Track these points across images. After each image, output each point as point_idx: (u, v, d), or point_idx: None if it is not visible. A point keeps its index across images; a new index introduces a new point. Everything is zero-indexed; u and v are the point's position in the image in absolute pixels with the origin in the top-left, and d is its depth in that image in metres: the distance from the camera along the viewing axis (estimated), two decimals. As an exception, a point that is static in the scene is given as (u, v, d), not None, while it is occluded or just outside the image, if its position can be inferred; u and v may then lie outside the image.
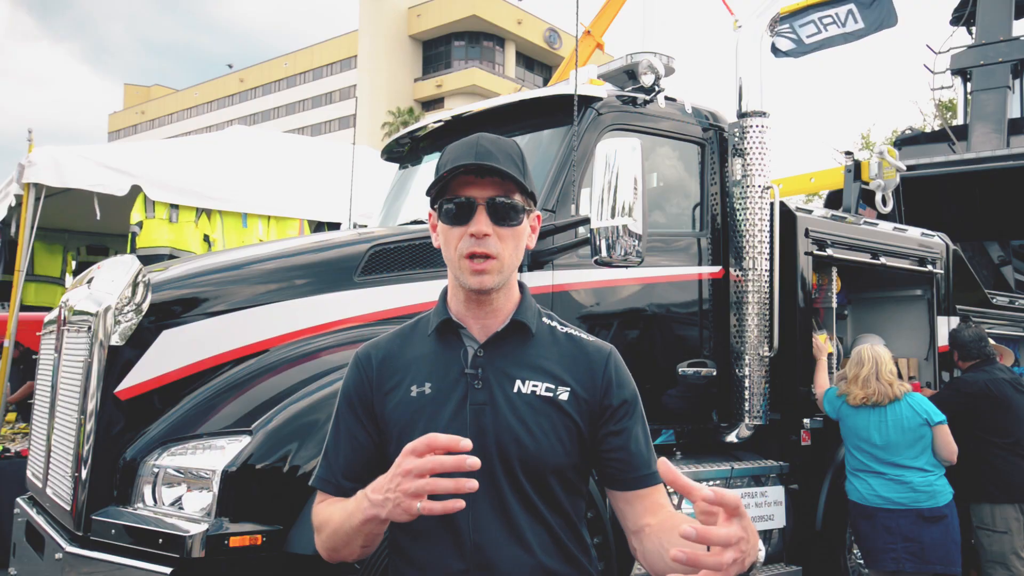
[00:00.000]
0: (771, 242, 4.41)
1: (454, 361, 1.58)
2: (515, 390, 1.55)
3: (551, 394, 1.56)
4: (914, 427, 4.16)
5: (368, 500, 1.38)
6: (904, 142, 10.50)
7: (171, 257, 6.33)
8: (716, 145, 4.46)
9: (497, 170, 1.51)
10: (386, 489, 1.33)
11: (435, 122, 4.74)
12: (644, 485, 1.60)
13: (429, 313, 1.68)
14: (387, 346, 1.66)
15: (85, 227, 8.26)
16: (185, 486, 2.76)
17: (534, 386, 1.56)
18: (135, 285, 3.03)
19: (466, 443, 1.28)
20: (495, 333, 1.59)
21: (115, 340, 2.96)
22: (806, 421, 4.58)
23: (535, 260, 3.66)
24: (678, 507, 3.96)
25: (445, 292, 1.67)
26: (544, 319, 1.67)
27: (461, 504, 1.28)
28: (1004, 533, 4.60)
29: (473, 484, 1.27)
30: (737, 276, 4.35)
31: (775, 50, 7.95)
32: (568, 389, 1.57)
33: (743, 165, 4.33)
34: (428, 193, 1.59)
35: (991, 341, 5.57)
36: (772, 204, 4.42)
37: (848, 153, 6.01)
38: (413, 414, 1.54)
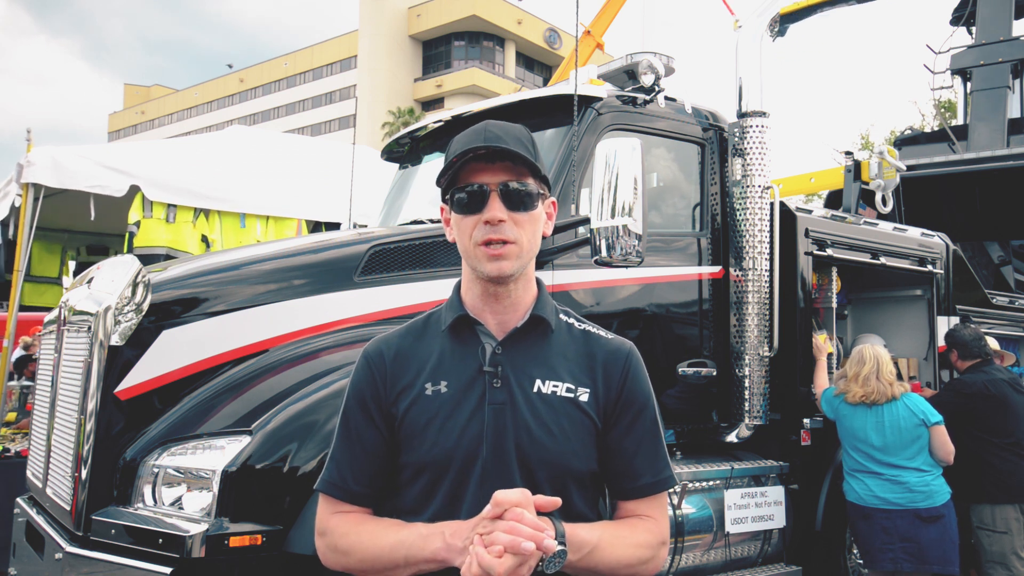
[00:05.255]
0: (771, 242, 4.40)
1: (471, 358, 1.51)
2: (535, 390, 1.48)
3: (572, 395, 1.50)
4: (911, 427, 4.16)
5: (445, 543, 1.35)
6: (904, 142, 10.50)
7: (168, 257, 6.33)
8: (716, 145, 4.46)
9: (508, 153, 1.46)
10: (466, 539, 1.31)
11: (435, 122, 4.74)
12: (632, 496, 1.55)
13: (441, 309, 1.61)
14: (398, 342, 1.58)
15: (85, 227, 8.25)
16: (185, 486, 2.76)
17: (555, 386, 1.49)
18: (135, 285, 3.03)
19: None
20: (514, 329, 1.52)
21: (115, 340, 2.96)
22: (806, 421, 4.58)
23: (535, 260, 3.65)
24: (678, 506, 3.96)
25: (458, 287, 1.60)
26: (561, 315, 1.61)
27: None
28: (1004, 533, 4.59)
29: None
30: (737, 276, 4.35)
31: (781, 33, 7.94)
32: (588, 390, 1.51)
33: (743, 165, 4.33)
34: (438, 183, 1.54)
35: (996, 346, 5.58)
36: (772, 204, 4.42)
37: (848, 153, 6.01)
38: (429, 413, 1.48)
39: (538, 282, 1.61)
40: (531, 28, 51.86)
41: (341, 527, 1.50)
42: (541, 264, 3.68)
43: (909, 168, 7.52)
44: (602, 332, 1.63)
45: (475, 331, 1.54)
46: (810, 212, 4.90)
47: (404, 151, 5.08)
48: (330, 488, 1.53)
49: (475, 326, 1.54)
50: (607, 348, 1.58)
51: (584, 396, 1.51)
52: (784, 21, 7.92)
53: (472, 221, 1.48)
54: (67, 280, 3.92)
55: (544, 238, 1.58)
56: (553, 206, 1.62)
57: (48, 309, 4.29)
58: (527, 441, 1.46)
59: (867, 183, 5.79)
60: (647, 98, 4.18)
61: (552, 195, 1.65)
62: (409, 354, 1.56)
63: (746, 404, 4.29)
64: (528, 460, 1.45)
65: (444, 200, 1.56)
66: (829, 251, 4.81)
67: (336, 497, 1.52)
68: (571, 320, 1.62)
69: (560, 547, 1.32)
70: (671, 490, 3.95)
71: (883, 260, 5.15)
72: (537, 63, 54.59)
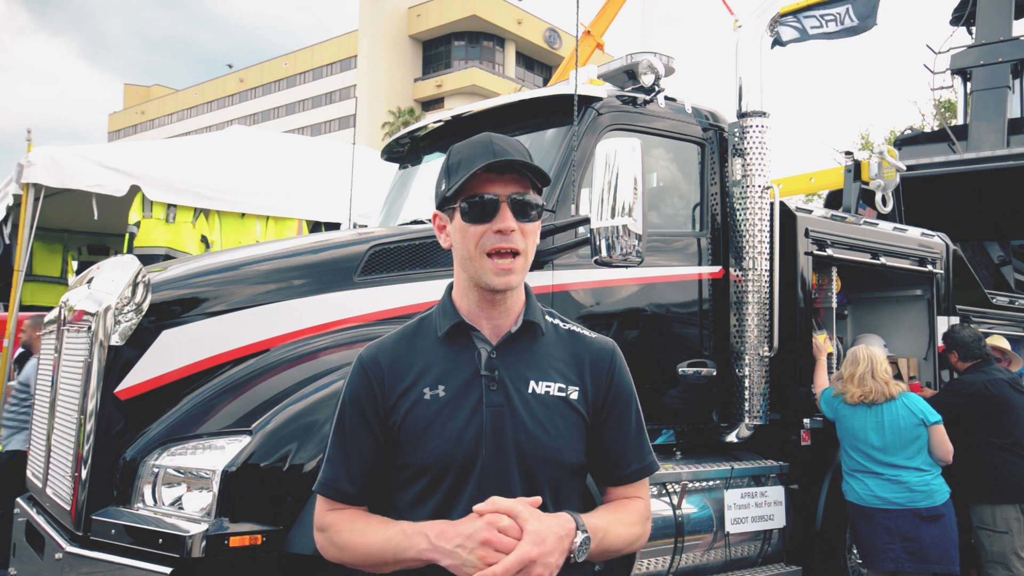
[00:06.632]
0: (771, 242, 4.40)
1: (467, 363, 1.57)
2: (530, 391, 1.56)
3: (563, 393, 1.59)
4: (910, 427, 4.17)
5: (431, 544, 1.42)
6: (904, 142, 10.50)
7: (167, 257, 6.34)
8: (716, 145, 4.46)
9: (521, 166, 1.54)
10: (458, 545, 1.39)
11: (435, 122, 4.74)
12: (622, 483, 1.67)
13: (432, 313, 1.67)
14: (393, 348, 1.63)
15: (85, 227, 8.27)
16: (185, 486, 2.76)
17: (547, 386, 1.58)
18: (135, 285, 3.03)
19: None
20: (509, 334, 1.60)
21: (115, 340, 2.96)
22: (806, 421, 4.58)
23: (535, 260, 3.65)
24: (678, 506, 3.97)
25: (449, 291, 1.66)
26: (547, 316, 1.69)
27: None
28: (1004, 533, 4.59)
29: None
30: (737, 276, 4.35)
31: (779, 40, 7.94)
32: (577, 388, 1.60)
33: (743, 165, 4.33)
34: (447, 193, 1.58)
35: (1007, 347, 5.57)
36: (772, 204, 4.42)
37: (848, 153, 6.00)
38: (428, 417, 1.54)
39: (525, 287, 1.68)
40: (531, 28, 51.85)
41: (337, 524, 1.58)
42: (541, 264, 3.68)
43: (909, 168, 7.51)
44: (586, 332, 1.71)
45: (470, 336, 1.60)
46: (810, 212, 4.90)
47: (404, 151, 5.08)
48: (324, 489, 1.61)
49: (470, 332, 1.60)
50: (593, 348, 1.67)
51: (574, 394, 1.60)
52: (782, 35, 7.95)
53: (481, 230, 1.54)
54: (72, 279, 3.94)
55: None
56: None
57: (50, 308, 4.29)
58: (526, 440, 1.53)
59: (867, 183, 5.78)
60: (647, 98, 4.18)
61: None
62: (405, 359, 1.61)
63: (746, 404, 4.29)
64: (527, 458, 1.53)
65: (444, 208, 1.61)
66: (829, 251, 4.81)
67: (330, 497, 1.60)
68: (556, 321, 1.71)
69: (585, 535, 1.46)
70: (673, 489, 3.97)
71: (883, 260, 5.15)
72: (537, 63, 54.58)
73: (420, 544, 1.44)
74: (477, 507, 1.43)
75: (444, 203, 1.60)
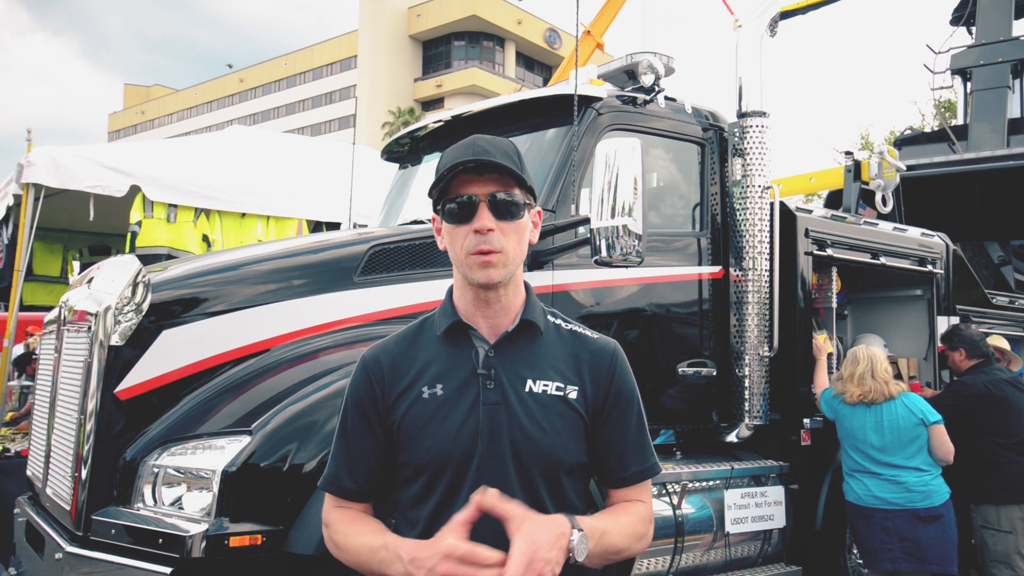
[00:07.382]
0: (771, 242, 4.40)
1: (465, 362, 1.59)
2: (527, 389, 1.57)
3: (561, 393, 1.58)
4: (910, 427, 4.16)
5: (403, 564, 1.41)
6: (904, 142, 10.49)
7: (168, 257, 6.34)
8: (716, 145, 4.46)
9: (495, 165, 1.53)
10: (426, 570, 1.36)
11: (435, 122, 4.74)
12: (623, 485, 1.66)
13: (434, 314, 1.69)
14: (395, 349, 1.66)
15: (85, 227, 8.25)
16: (185, 486, 2.76)
17: (545, 385, 1.58)
18: (135, 285, 3.03)
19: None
20: (505, 333, 1.60)
21: (115, 340, 2.96)
22: (806, 421, 4.58)
23: (535, 260, 3.66)
24: (678, 506, 3.97)
25: (451, 293, 1.68)
26: (548, 316, 1.69)
27: None
28: (1009, 533, 4.58)
29: None
30: (737, 276, 4.35)
31: (785, 13, 7.91)
32: (577, 388, 1.60)
33: (743, 165, 4.33)
34: (430, 195, 1.61)
35: (1007, 347, 5.57)
36: (772, 204, 4.42)
37: (848, 153, 6.00)
38: (426, 416, 1.56)
39: (526, 286, 1.67)
40: (531, 28, 51.84)
41: (337, 523, 1.61)
42: (541, 264, 3.69)
43: (909, 168, 7.50)
44: (588, 332, 1.71)
45: (468, 335, 1.61)
46: (810, 212, 4.90)
47: (404, 151, 5.08)
48: (328, 485, 1.65)
49: (468, 331, 1.61)
50: (593, 348, 1.67)
51: (573, 394, 1.59)
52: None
53: (463, 231, 1.55)
54: (73, 279, 3.94)
55: (530, 245, 1.66)
56: (538, 215, 1.69)
57: (50, 308, 4.29)
58: (521, 438, 1.54)
59: (867, 183, 5.78)
60: (647, 98, 4.18)
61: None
62: (405, 359, 1.63)
63: (746, 404, 4.29)
64: (522, 456, 1.54)
65: (435, 211, 1.63)
66: (829, 251, 4.81)
67: (333, 493, 1.64)
68: (558, 321, 1.70)
69: (581, 533, 1.44)
70: (673, 489, 3.97)
71: (883, 260, 5.15)
72: (537, 63, 54.58)
73: (397, 569, 1.43)
74: (474, 496, 1.42)
75: (433, 206, 1.63)
